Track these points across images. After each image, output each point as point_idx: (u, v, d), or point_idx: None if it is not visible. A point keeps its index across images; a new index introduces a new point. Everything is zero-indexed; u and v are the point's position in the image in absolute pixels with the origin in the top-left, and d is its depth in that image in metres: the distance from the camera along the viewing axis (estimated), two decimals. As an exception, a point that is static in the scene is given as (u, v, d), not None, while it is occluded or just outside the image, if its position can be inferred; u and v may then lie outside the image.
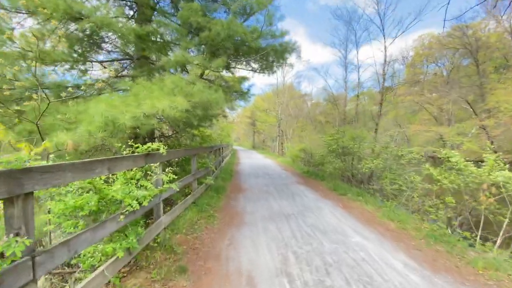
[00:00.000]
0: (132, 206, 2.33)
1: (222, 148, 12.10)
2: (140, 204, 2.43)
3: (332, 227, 4.14)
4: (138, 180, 2.71)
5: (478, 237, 4.06)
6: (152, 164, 2.86)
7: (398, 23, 22.50)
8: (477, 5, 16.36)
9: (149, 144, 2.79)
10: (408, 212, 5.35)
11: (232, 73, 8.49)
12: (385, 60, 11.79)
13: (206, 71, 8.88)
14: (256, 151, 31.81)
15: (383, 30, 11.91)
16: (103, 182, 2.36)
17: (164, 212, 3.91)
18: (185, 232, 3.80)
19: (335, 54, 52.84)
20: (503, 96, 15.80)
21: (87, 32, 5.90)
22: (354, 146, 7.70)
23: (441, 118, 31.79)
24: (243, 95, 9.49)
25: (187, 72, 5.63)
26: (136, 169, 2.71)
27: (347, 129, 9.69)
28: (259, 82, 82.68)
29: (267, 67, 7.64)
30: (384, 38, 11.88)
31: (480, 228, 4.17)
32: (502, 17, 21.62)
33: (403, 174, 6.72)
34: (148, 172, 2.85)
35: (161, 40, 5.88)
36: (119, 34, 5.14)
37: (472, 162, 4.71)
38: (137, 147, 2.81)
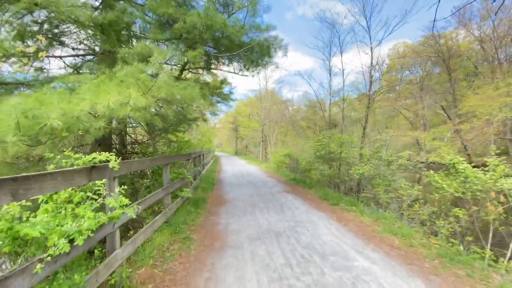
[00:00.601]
0: (58, 248, 1.56)
1: (203, 154, 11.29)
2: (72, 240, 1.67)
3: (330, 247, 3.53)
4: (77, 204, 1.93)
5: (488, 250, 3.66)
6: (99, 181, 2.08)
7: (384, 24, 22.51)
8: (451, 15, 17.05)
9: (94, 154, 2.03)
10: (406, 223, 4.91)
11: (214, 74, 7.82)
12: (371, 63, 11.66)
13: (184, 73, 8.14)
14: (239, 157, 31.03)
15: (369, 32, 11.81)
16: (13, 214, 1.58)
17: (127, 238, 3.12)
18: (153, 264, 3.02)
19: (318, 57, 53.91)
20: (478, 101, 16.43)
21: (46, 26, 5.04)
22: (343, 151, 7.26)
23: (416, 123, 33.11)
24: (225, 97, 8.84)
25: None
26: (73, 189, 1.94)
27: (334, 134, 9.30)
28: (241, 87, 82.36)
29: (251, 65, 7.06)
30: (370, 40, 11.78)
31: (489, 241, 3.77)
32: (472, 26, 22.86)
33: (395, 180, 6.36)
34: (91, 193, 2.07)
35: (127, 32, 5.10)
36: (76, 22, 4.32)
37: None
38: (78, 158, 2.04)
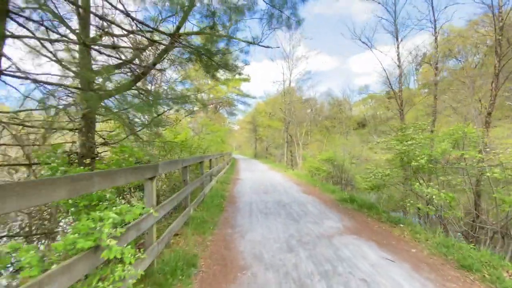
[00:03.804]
0: None
1: (210, 160, 7.98)
2: None
3: None
4: None
5: None
6: None
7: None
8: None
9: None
10: None
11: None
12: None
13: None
14: (259, 161, 27.62)
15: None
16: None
17: None
18: None
19: (379, 15, 47.79)
20: None
21: None
22: (474, 155, 3.56)
23: (470, 118, 27.62)
24: (234, 69, 5.59)
25: None
26: None
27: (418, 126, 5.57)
28: (261, 84, 78.89)
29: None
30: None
31: None
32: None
33: None
34: None
35: None
36: None
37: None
38: None
